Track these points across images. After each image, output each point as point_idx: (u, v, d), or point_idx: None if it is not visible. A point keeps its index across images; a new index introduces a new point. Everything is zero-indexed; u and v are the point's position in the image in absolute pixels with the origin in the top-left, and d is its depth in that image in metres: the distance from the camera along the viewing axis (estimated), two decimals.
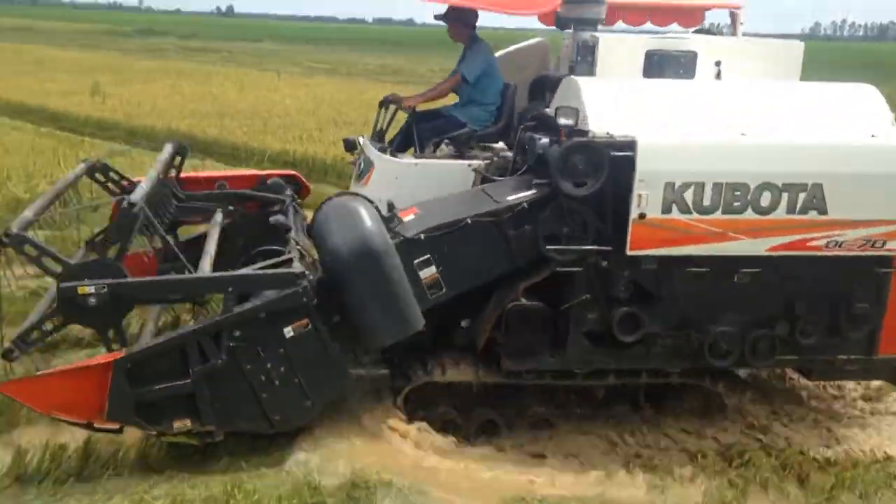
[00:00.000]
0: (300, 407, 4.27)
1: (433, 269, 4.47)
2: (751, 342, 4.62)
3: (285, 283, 4.14)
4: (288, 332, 4.16)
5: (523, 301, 4.54)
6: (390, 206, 4.75)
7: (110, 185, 5.36)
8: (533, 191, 4.47)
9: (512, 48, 6.52)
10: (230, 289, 4.14)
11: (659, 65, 5.46)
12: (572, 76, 4.88)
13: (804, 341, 4.67)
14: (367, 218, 4.43)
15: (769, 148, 4.38)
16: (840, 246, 4.46)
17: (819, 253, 4.46)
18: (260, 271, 4.32)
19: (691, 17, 6.42)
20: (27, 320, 4.14)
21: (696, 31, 6.11)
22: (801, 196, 4.34)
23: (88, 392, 3.97)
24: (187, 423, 4.12)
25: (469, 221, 4.47)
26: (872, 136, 4.47)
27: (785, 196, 4.33)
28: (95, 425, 4.12)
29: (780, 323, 4.66)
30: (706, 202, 4.30)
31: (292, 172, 6.17)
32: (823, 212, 4.37)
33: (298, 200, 5.67)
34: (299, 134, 14.02)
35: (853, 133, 4.50)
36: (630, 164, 4.21)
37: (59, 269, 3.95)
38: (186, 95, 19.56)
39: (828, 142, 4.44)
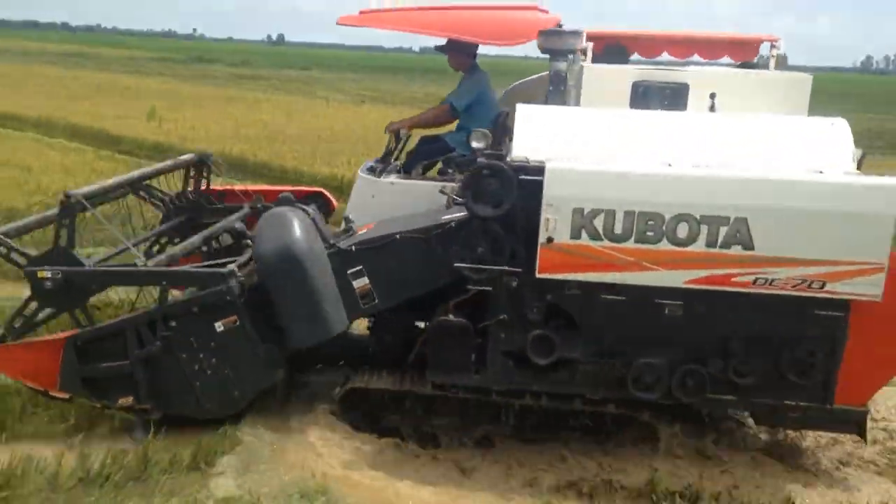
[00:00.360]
0: (229, 397, 4.74)
1: (365, 279, 4.79)
2: (679, 376, 4.49)
3: (215, 281, 4.58)
4: (218, 326, 4.63)
5: (450, 317, 4.67)
6: (346, 220, 5.17)
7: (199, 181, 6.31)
8: (463, 211, 4.61)
9: (522, 81, 6.62)
10: (164, 282, 4.67)
11: (645, 96, 5.44)
12: (519, 103, 4.83)
13: (740, 381, 4.48)
14: (295, 226, 4.74)
15: (687, 179, 4.23)
16: (771, 284, 4.25)
17: (746, 290, 4.26)
18: (193, 269, 4.86)
19: (742, 51, 6.14)
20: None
21: (742, 65, 6.03)
22: (723, 230, 4.19)
23: (46, 363, 4.67)
24: (129, 399, 4.73)
25: (398, 237, 4.79)
26: (819, 171, 4.24)
27: (704, 229, 4.20)
28: (50, 393, 4.76)
29: (712, 360, 4.49)
30: (618, 230, 4.24)
31: (319, 189, 6.56)
32: (749, 247, 4.19)
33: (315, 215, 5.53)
34: (347, 159, 14.30)
35: (799, 168, 4.28)
36: (538, 188, 4.26)
37: (23, 261, 4.69)
38: (238, 121, 20.06)
39: (756, 175, 4.22)
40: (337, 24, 6.17)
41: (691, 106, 5.41)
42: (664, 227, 4.21)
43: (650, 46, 6.16)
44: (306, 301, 4.63)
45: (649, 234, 4.23)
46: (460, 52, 6.09)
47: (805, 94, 5.51)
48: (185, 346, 4.66)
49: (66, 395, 4.74)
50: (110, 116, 19.26)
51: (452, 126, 6.28)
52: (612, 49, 6.02)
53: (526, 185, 4.30)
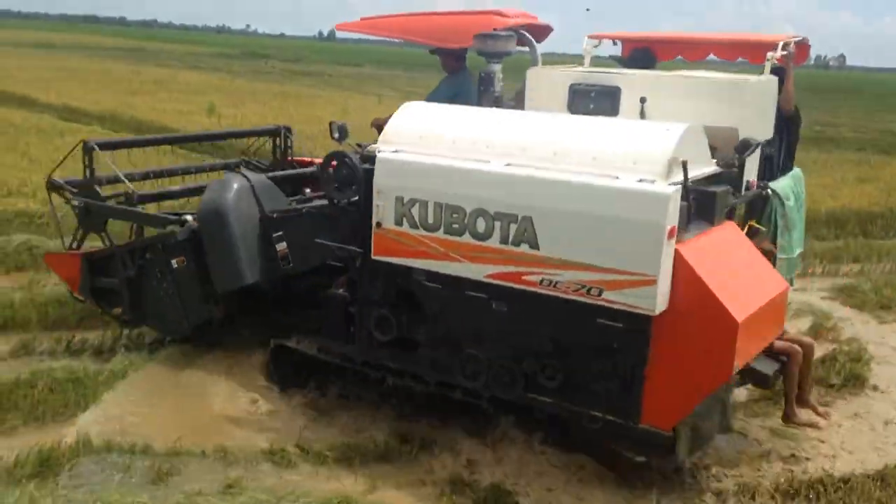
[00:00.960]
0: (179, 323, 5.92)
1: (284, 244, 5.65)
2: (495, 371, 4.61)
3: (173, 226, 5.74)
4: (173, 263, 5.75)
5: (337, 290, 5.26)
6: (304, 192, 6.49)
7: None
8: None
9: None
10: (136, 222, 6.20)
11: (582, 98, 5.56)
12: (408, 102, 5.22)
13: (549, 384, 4.46)
14: (231, 188, 5.67)
15: (483, 175, 4.37)
16: (555, 286, 4.21)
17: (534, 289, 4.29)
18: (160, 214, 6.21)
19: (759, 52, 5.84)
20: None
21: (773, 70, 5.74)
22: (513, 227, 4.28)
23: (75, 272, 6.20)
24: (120, 310, 6.19)
25: (304, 211, 5.75)
26: (616, 177, 4.09)
27: (497, 225, 4.32)
28: (74, 294, 6.48)
29: (527, 358, 4.51)
30: (430, 220, 4.52)
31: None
32: (535, 246, 4.24)
33: (260, 184, 6.24)
34: None
35: (600, 171, 4.16)
36: (372, 176, 4.70)
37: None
38: (293, 116, 20.42)
39: (541, 175, 4.24)
40: (336, 29, 7.37)
41: (624, 109, 5.42)
42: (466, 221, 4.43)
43: (667, 49, 6.29)
44: (224, 253, 5.58)
45: (455, 226, 4.46)
46: (447, 55, 6.55)
47: (762, 97, 5.44)
48: (152, 274, 5.90)
49: (83, 299, 6.37)
50: (171, 111, 19.80)
51: None
52: (639, 54, 6.14)
53: (367, 174, 4.73)
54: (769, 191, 5.58)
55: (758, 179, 5.50)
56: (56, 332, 6.61)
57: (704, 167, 4.59)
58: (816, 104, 46.42)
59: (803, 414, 5.58)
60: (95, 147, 6.22)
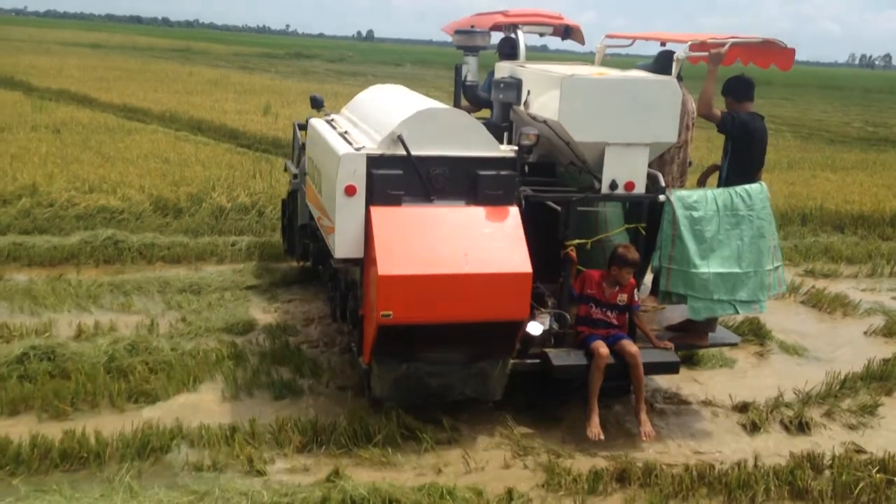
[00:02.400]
0: None
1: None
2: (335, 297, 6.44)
3: None
4: None
5: None
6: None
7: None
8: None
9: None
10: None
11: (497, 88, 6.29)
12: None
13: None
14: None
15: (317, 136, 6.40)
16: (323, 227, 5.80)
17: (318, 229, 6.18)
18: None
19: (780, 56, 6.01)
20: None
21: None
22: (316, 175, 6.26)
23: None
24: None
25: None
26: (355, 144, 5.37)
27: (316, 174, 6.26)
28: None
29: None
30: (308, 170, 6.86)
31: None
32: (320, 193, 5.89)
33: None
34: None
35: (366, 140, 5.45)
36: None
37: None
38: None
39: (328, 140, 5.74)
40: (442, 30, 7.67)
41: (524, 99, 5.96)
42: (314, 172, 6.40)
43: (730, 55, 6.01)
44: None
45: (313, 175, 6.50)
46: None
47: (646, 96, 5.41)
48: None
49: None
50: (230, 111, 20.11)
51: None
52: (664, 55, 6.07)
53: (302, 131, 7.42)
54: (663, 197, 5.54)
55: (664, 184, 5.61)
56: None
57: (446, 150, 5.09)
58: (866, 103, 45.81)
59: (597, 425, 5.32)
60: (296, 130, 8.37)
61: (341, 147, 5.22)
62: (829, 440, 5.62)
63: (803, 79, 70.90)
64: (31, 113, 17.41)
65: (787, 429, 5.76)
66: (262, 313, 7.27)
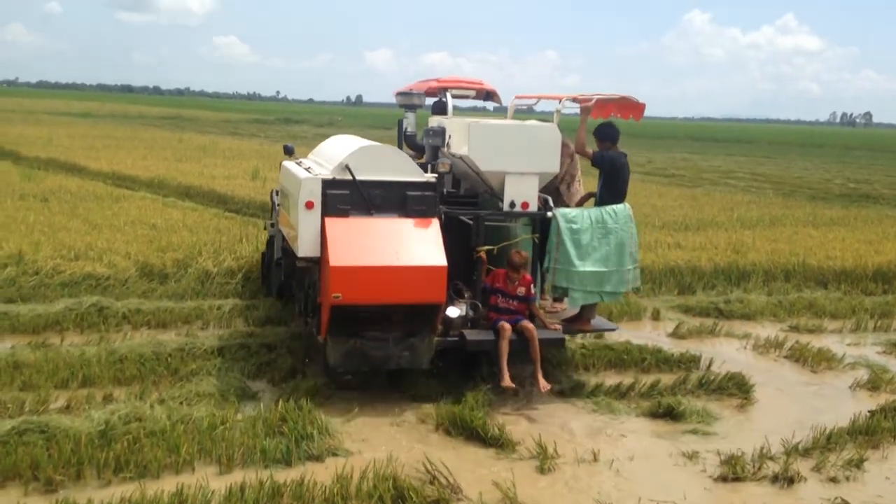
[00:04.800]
0: None
1: None
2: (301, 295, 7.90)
3: None
4: None
5: None
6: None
7: None
8: None
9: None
10: None
11: (427, 135, 7.98)
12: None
13: (301, 309, 7.94)
14: None
15: (288, 172, 7.88)
16: (290, 239, 7.40)
17: (287, 244, 7.77)
18: None
19: (634, 110, 8.00)
20: None
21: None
22: (285, 201, 7.93)
23: None
24: None
25: None
26: (312, 172, 7.16)
27: (286, 201, 7.71)
28: None
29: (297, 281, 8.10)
30: (280, 201, 8.62)
31: None
32: (288, 212, 7.44)
33: None
34: None
35: (318, 169, 7.35)
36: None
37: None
38: None
39: (293, 171, 7.64)
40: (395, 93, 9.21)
41: (447, 142, 7.66)
42: (285, 200, 7.91)
43: (601, 110, 7.83)
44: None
45: (284, 202, 8.04)
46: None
47: (535, 139, 7.11)
48: None
49: None
50: (218, 177, 20.25)
51: None
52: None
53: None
54: (550, 213, 7.30)
55: (550, 205, 7.35)
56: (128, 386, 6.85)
57: (380, 175, 6.81)
58: (847, 160, 46.58)
59: (508, 380, 6.86)
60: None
61: (303, 174, 7.00)
62: (815, 494, 5.60)
63: (785, 137, 72.27)
64: (19, 182, 17.51)
65: (773, 482, 5.74)
66: (250, 379, 7.24)
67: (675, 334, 9.50)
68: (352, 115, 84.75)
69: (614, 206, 7.43)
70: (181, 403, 6.43)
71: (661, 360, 8.22)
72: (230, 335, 8.31)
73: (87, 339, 8.09)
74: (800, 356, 8.73)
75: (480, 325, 7.17)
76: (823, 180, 31.28)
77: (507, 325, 7.03)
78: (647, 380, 7.54)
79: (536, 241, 7.41)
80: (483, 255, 7.23)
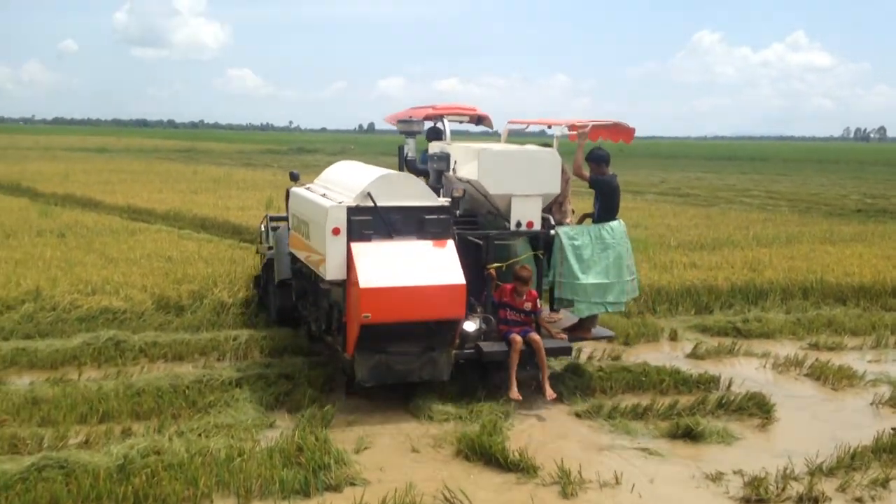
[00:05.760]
0: None
1: None
2: (317, 318, 8.39)
3: None
4: None
5: None
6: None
7: None
8: None
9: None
10: None
11: (432, 160, 8.51)
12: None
13: (317, 327, 8.30)
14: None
15: (303, 199, 8.31)
16: (312, 263, 7.82)
17: (308, 266, 8.03)
18: None
19: (625, 134, 8.64)
20: None
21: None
22: (303, 227, 8.08)
23: None
24: None
25: None
26: (333, 199, 7.50)
27: (303, 227, 8.08)
28: None
29: (316, 309, 8.34)
30: (296, 225, 8.54)
31: None
32: (308, 238, 7.87)
33: None
34: None
35: (336, 196, 7.56)
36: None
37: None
38: None
39: (311, 198, 7.95)
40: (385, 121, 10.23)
41: (452, 167, 8.21)
42: (301, 226, 8.19)
43: (592, 134, 8.36)
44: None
45: (300, 228, 8.20)
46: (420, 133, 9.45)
47: (535, 163, 7.75)
48: None
49: None
50: (233, 208, 20.42)
51: None
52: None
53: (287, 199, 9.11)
54: (554, 231, 7.93)
55: (550, 224, 7.96)
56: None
57: (399, 202, 7.24)
58: (863, 176, 46.33)
59: (516, 391, 7.37)
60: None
61: (327, 202, 7.37)
62: None
63: (799, 154, 71.96)
64: (36, 218, 17.71)
65: (798, 503, 5.67)
66: (268, 410, 7.25)
67: (694, 355, 9.44)
68: (364, 144, 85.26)
69: (610, 223, 8.06)
70: (199, 436, 6.42)
71: (680, 381, 8.17)
72: (247, 366, 8.34)
73: (104, 373, 8.15)
74: (820, 374, 8.65)
75: (492, 338, 7.66)
76: (839, 196, 31.13)
77: (519, 339, 7.51)
78: (664, 401, 7.49)
79: (541, 256, 8.01)
80: (493, 272, 7.70)
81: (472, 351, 7.53)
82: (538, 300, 7.85)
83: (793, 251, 15.23)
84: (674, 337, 10.12)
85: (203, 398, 7.34)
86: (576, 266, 7.83)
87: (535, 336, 7.57)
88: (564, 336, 7.86)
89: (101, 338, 8.87)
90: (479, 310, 7.73)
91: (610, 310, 8.20)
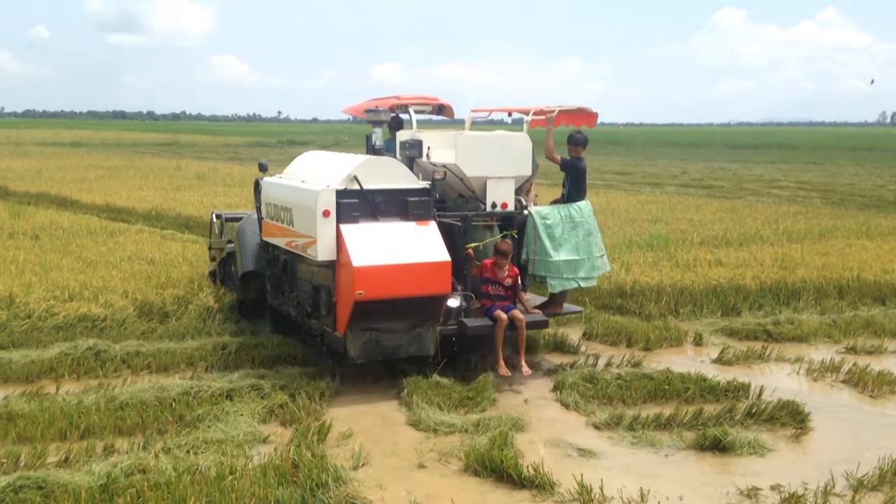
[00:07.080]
0: None
1: None
2: (297, 303, 9.10)
3: None
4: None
5: None
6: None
7: None
8: None
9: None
10: None
11: (404, 147, 9.08)
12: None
13: (303, 310, 8.89)
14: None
15: (281, 186, 9.11)
16: (297, 247, 8.53)
17: (293, 251, 8.71)
18: None
19: (588, 118, 9.75)
20: None
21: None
22: (285, 214, 8.75)
23: None
24: None
25: None
26: (316, 183, 8.28)
27: (283, 213, 8.83)
28: None
29: (300, 293, 8.97)
30: (272, 213, 9.27)
31: None
32: (291, 224, 8.68)
33: None
34: None
35: (318, 181, 8.31)
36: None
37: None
38: None
39: (293, 184, 8.81)
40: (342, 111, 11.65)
41: (426, 153, 8.86)
42: (279, 213, 8.99)
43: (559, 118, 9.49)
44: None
45: (279, 215, 8.95)
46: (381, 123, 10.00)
47: (507, 147, 8.83)
48: None
49: None
50: (219, 205, 20.30)
51: None
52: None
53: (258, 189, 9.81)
54: (527, 212, 8.98)
55: (523, 204, 9.05)
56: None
57: (383, 184, 8.09)
58: (889, 162, 46.19)
59: (504, 367, 8.36)
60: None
61: (317, 186, 8.08)
62: None
63: (831, 141, 71.88)
64: (7, 219, 17.75)
65: None
66: (260, 424, 7.25)
67: (721, 360, 9.43)
68: (357, 134, 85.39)
69: (578, 203, 9.19)
70: (187, 452, 6.41)
71: (706, 390, 8.14)
72: (238, 377, 8.30)
73: (84, 386, 8.14)
74: (858, 380, 8.64)
75: (473, 314, 8.61)
76: (876, 186, 31.11)
77: (504, 315, 8.40)
78: (689, 409, 7.48)
79: (515, 236, 8.94)
80: (471, 251, 8.61)
81: (454, 327, 8.41)
82: (518, 278, 8.75)
83: (827, 247, 15.21)
84: (699, 341, 10.11)
85: (191, 412, 7.32)
86: (548, 244, 8.89)
87: (517, 313, 8.50)
88: (537, 311, 8.95)
89: (80, 347, 8.88)
90: (459, 288, 8.52)
91: (582, 285, 9.26)
